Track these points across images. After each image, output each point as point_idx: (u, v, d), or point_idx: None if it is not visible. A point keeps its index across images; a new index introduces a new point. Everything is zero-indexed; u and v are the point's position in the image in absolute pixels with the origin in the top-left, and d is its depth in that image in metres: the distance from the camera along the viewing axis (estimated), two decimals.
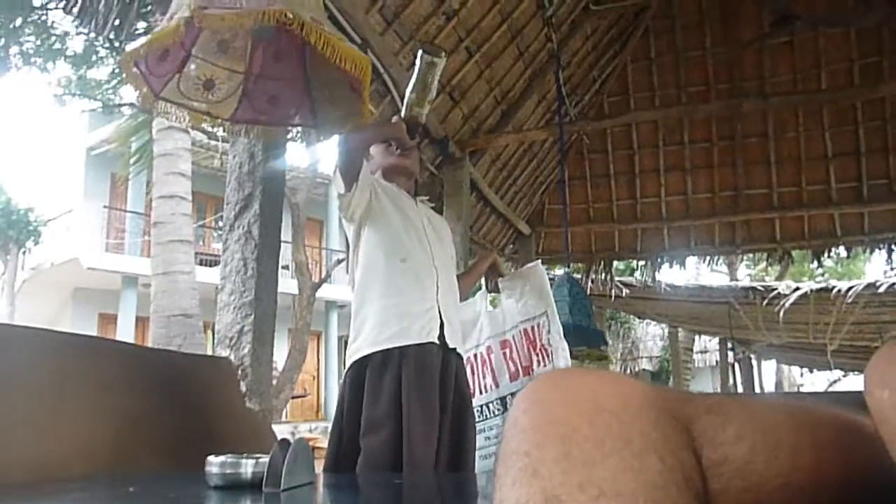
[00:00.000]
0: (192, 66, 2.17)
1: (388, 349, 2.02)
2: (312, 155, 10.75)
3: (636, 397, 0.47)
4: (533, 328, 2.64)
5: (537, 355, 2.61)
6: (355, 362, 2.08)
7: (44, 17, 10.62)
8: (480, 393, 2.78)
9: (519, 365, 2.69)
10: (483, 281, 2.76)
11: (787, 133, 6.41)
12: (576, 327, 4.03)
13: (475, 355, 2.83)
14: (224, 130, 2.36)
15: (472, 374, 2.79)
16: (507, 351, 2.74)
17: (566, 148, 6.86)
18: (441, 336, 2.10)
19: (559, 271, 7.97)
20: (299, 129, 2.56)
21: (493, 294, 2.80)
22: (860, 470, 0.49)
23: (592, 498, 0.41)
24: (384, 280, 2.13)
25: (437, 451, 2.00)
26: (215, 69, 2.21)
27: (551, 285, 2.83)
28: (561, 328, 2.57)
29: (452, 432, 2.08)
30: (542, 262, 7.86)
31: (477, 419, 2.48)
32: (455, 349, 2.16)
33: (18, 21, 10.27)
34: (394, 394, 1.96)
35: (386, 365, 2.01)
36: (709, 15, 6.34)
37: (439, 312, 2.12)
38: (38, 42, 10.81)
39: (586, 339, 4.42)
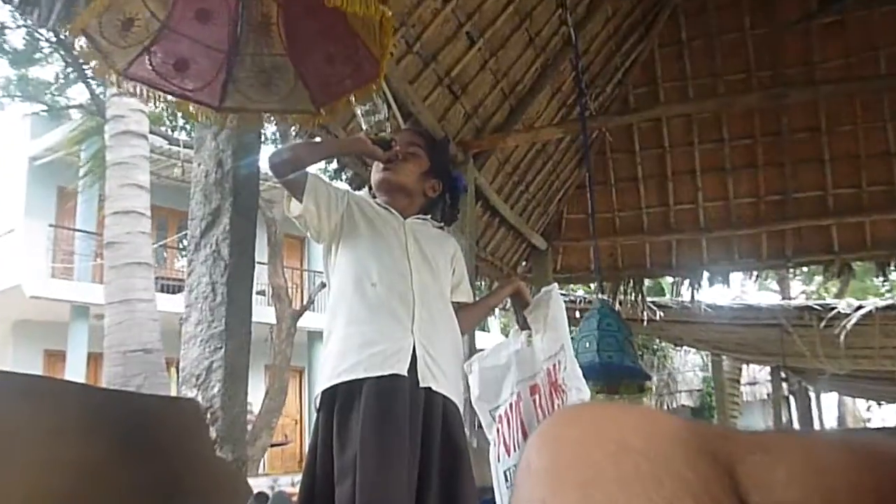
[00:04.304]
0: None
1: (349, 382, 2.06)
2: None
3: (668, 433, 0.47)
4: (554, 366, 2.59)
5: (558, 398, 2.56)
6: (321, 396, 2.13)
7: None
8: (514, 450, 2.71)
9: (547, 413, 2.63)
10: (515, 316, 2.76)
11: (841, 126, 6.43)
12: (603, 366, 4.02)
13: (510, 406, 2.77)
14: (112, 83, 2.19)
15: (509, 430, 2.74)
16: (537, 397, 2.67)
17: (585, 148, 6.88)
18: (413, 372, 2.10)
19: (580, 293, 7.98)
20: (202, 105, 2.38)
21: (526, 332, 2.76)
22: None
23: None
24: (350, 307, 2.19)
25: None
26: (140, 7, 2.09)
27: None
28: (577, 364, 2.52)
29: (443, 486, 2.07)
30: (563, 283, 7.87)
31: (507, 484, 2.47)
32: (439, 391, 2.15)
33: None
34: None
35: (352, 403, 2.05)
36: None
37: (413, 344, 2.13)
38: None
39: (619, 377, 4.40)
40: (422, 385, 2.11)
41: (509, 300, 2.77)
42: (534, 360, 2.70)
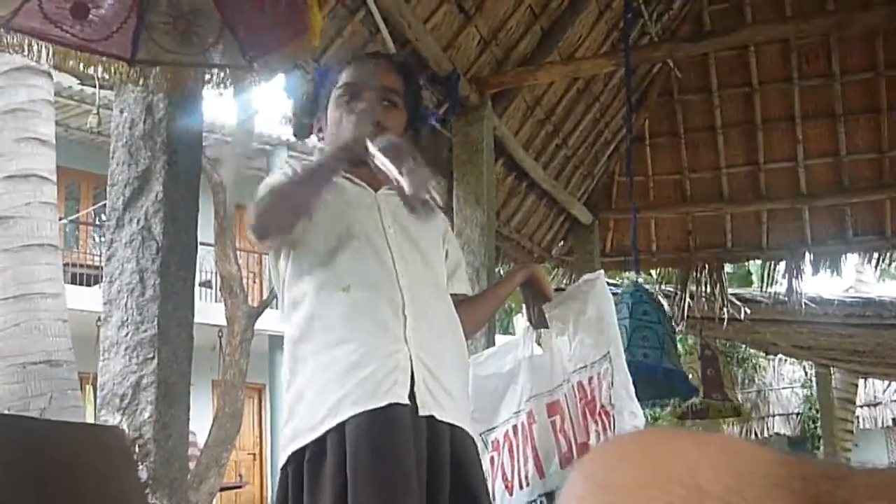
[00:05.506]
0: None
1: (331, 430, 2.02)
2: (246, 107, 10.76)
3: (757, 472, 0.47)
4: (591, 380, 2.58)
5: (596, 424, 2.55)
6: (293, 456, 2.10)
7: None
8: (520, 488, 2.74)
9: (573, 441, 2.64)
10: (524, 310, 2.75)
11: None
12: (634, 366, 4.05)
13: (514, 427, 2.77)
14: None
15: (511, 460, 2.75)
16: (557, 419, 2.68)
17: (643, 87, 6.85)
18: (411, 396, 2.07)
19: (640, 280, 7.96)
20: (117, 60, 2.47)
21: (540, 331, 2.76)
22: None
23: None
24: (320, 324, 2.16)
25: None
26: None
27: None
28: (630, 380, 2.52)
29: None
30: (614, 269, 7.84)
31: None
32: (444, 420, 2.12)
33: None
34: (339, 490, 1.95)
35: (325, 449, 2.01)
36: None
37: (410, 357, 2.10)
38: None
39: (656, 384, 4.40)
40: (422, 414, 2.08)
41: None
42: (553, 369, 2.71)
